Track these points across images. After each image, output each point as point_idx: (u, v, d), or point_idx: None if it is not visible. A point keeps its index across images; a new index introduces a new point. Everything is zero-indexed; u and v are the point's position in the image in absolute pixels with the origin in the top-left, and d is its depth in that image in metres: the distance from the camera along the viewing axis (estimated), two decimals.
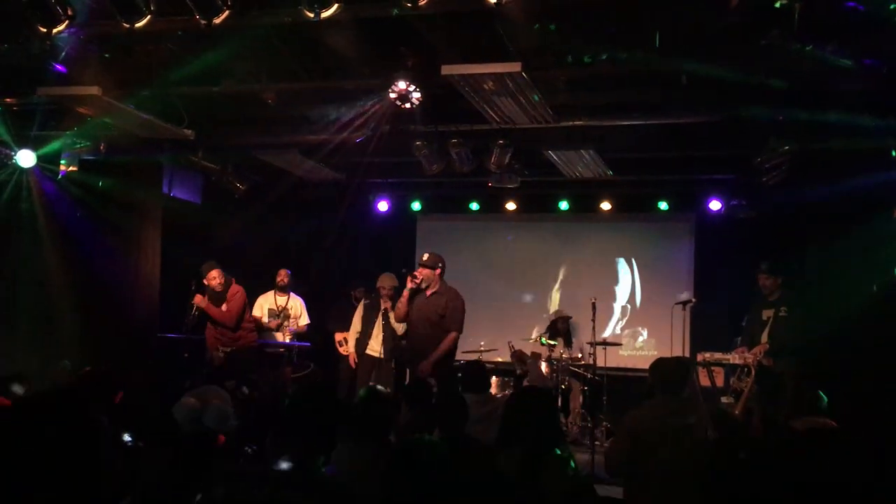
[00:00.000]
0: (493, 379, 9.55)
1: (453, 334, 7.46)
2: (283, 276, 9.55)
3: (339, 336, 10.10)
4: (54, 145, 7.83)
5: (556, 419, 3.41)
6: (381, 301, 8.97)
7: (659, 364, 5.10)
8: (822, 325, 7.53)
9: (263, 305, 9.49)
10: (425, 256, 7.69)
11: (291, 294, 9.63)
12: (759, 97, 6.32)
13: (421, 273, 7.53)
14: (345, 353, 10.06)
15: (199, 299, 8.40)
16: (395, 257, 11.48)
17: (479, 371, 6.28)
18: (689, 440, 4.57)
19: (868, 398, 7.24)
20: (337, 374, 9.93)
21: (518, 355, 8.68)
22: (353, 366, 9.19)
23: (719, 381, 8.03)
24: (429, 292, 7.59)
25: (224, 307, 8.50)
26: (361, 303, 9.34)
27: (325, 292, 10.61)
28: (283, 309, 9.50)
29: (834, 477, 3.33)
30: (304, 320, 9.69)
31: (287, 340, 9.35)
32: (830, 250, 8.13)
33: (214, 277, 8.42)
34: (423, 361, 7.32)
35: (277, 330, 9.45)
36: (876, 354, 7.61)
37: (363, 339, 9.12)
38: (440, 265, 7.58)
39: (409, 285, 7.56)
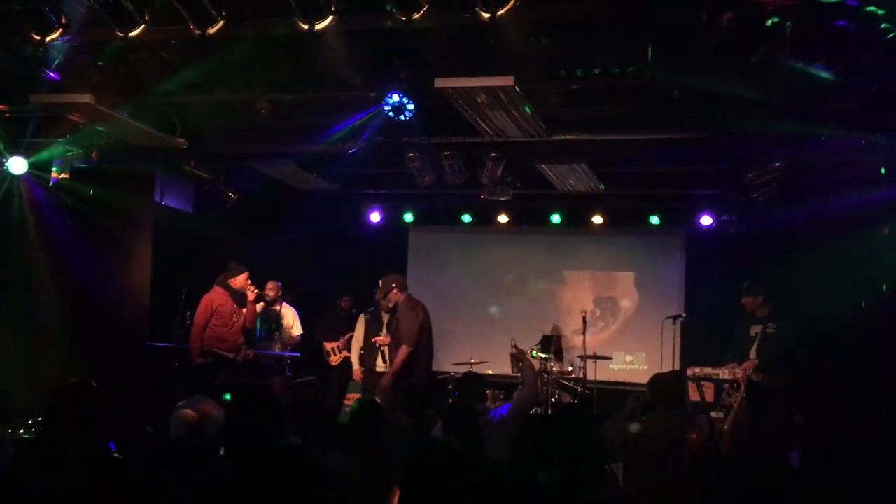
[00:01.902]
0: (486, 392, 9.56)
1: (403, 349, 8.16)
2: (269, 288, 9.45)
3: (327, 346, 10.08)
4: (46, 153, 7.81)
5: (598, 437, 3.40)
6: (382, 314, 8.96)
7: (657, 379, 5.15)
8: (810, 342, 7.56)
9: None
10: (380, 284, 8.63)
11: (284, 304, 9.59)
12: (751, 114, 6.36)
13: (385, 303, 8.58)
14: (334, 364, 10.05)
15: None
16: (387, 268, 11.48)
17: (476, 382, 6.30)
18: (690, 454, 4.59)
19: (857, 414, 7.27)
20: (326, 384, 9.91)
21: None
22: (359, 380, 9.18)
23: (709, 396, 8.05)
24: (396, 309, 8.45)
25: (245, 312, 8.51)
26: (362, 316, 9.29)
27: (316, 303, 10.59)
28: (275, 317, 9.43)
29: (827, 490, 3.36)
30: (297, 330, 9.64)
31: (278, 350, 9.31)
32: (820, 266, 8.16)
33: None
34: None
35: (269, 339, 9.39)
36: (865, 371, 7.64)
37: (368, 353, 9.10)
38: (393, 286, 8.48)
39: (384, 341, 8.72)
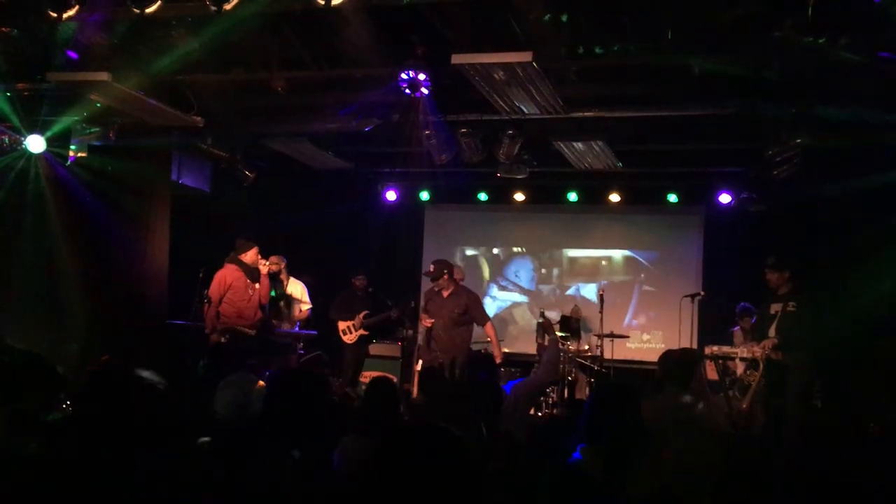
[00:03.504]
0: (500, 370, 9.56)
1: (489, 323, 8.63)
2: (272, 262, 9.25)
3: (342, 325, 10.10)
4: (62, 125, 7.77)
5: (641, 419, 3.38)
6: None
7: (667, 356, 5.08)
8: (832, 321, 7.47)
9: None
10: (431, 268, 8.49)
11: (291, 278, 9.58)
12: (771, 90, 6.28)
13: (437, 285, 8.43)
14: (348, 342, 10.06)
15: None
16: (403, 247, 11.51)
17: (488, 361, 6.30)
18: (697, 432, 4.55)
19: (878, 395, 7.22)
20: (340, 362, 9.95)
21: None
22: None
23: (712, 375, 8.10)
24: (446, 294, 8.41)
25: (259, 287, 8.52)
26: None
27: (330, 281, 10.61)
28: (283, 294, 9.43)
29: (845, 471, 3.34)
30: (307, 304, 9.61)
31: (289, 328, 9.31)
32: (842, 245, 8.06)
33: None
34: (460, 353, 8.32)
35: (280, 318, 9.39)
36: (888, 351, 7.58)
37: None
38: (445, 271, 8.39)
39: (427, 325, 8.46)
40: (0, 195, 7.98)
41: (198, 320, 8.42)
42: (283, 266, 9.41)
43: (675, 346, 9.29)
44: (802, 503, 3.61)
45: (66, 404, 4.31)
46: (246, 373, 4.68)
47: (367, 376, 9.52)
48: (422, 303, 8.87)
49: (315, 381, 3.33)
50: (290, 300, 9.43)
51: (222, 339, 8.17)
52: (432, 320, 8.51)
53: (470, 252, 11.70)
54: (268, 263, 8.59)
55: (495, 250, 11.64)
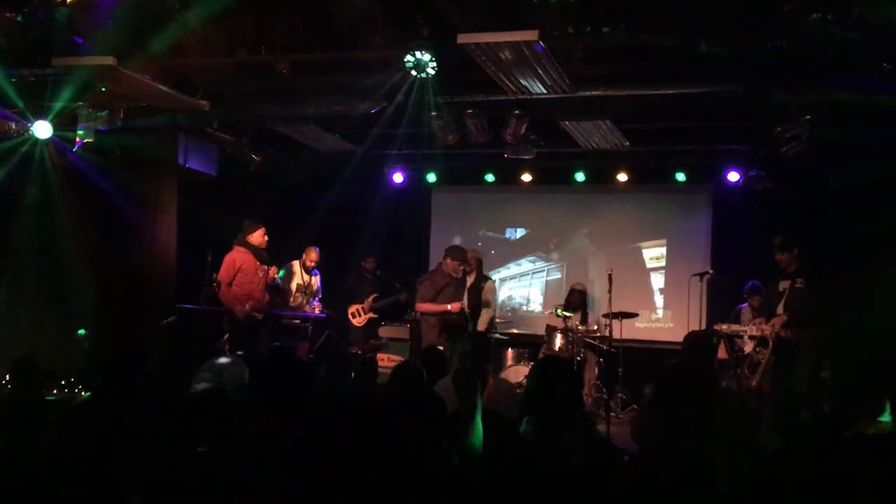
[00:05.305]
0: (509, 351, 9.58)
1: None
2: (313, 256, 9.50)
3: (351, 308, 10.13)
4: (63, 103, 7.72)
5: (576, 387, 3.61)
6: (467, 277, 8.80)
7: (691, 337, 5.20)
8: (842, 299, 7.44)
9: (292, 280, 9.49)
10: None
11: None
12: (781, 69, 6.23)
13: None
14: (358, 325, 10.10)
15: None
16: (411, 229, 11.49)
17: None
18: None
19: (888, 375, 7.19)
20: (349, 345, 9.98)
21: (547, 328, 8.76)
22: None
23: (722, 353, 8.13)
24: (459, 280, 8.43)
25: (269, 271, 8.53)
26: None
27: (340, 264, 10.62)
28: (308, 286, 9.48)
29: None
30: (319, 293, 9.68)
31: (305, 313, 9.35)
32: (851, 222, 8.01)
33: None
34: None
35: (305, 304, 9.42)
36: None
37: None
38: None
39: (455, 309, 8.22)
40: (5, 179, 7.96)
41: (207, 304, 8.45)
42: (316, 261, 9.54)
43: (684, 325, 9.32)
44: (811, 481, 3.62)
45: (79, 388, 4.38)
46: (212, 361, 4.69)
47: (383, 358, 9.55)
48: (437, 286, 8.32)
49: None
50: (307, 289, 9.46)
51: (247, 309, 8.17)
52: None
53: (477, 233, 11.68)
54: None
55: (503, 231, 11.62)
